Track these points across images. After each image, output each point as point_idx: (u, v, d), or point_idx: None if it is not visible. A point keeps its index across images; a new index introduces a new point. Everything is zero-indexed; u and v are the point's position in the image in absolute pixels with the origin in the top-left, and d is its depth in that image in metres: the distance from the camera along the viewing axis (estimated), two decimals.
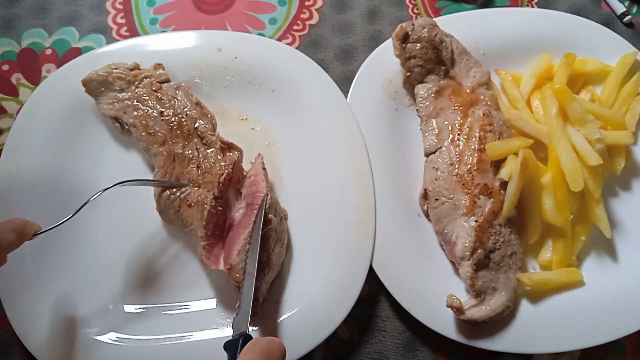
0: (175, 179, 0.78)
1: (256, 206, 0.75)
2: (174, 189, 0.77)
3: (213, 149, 0.79)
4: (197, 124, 0.81)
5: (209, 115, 0.83)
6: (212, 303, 0.78)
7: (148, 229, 0.82)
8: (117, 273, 0.80)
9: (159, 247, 0.81)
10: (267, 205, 0.75)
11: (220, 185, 0.76)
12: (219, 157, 0.78)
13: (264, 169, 0.80)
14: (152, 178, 0.81)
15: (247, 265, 0.71)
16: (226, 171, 0.77)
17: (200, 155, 0.79)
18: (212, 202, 0.75)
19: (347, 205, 0.80)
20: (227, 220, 0.78)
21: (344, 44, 0.98)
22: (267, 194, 0.76)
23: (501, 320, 0.75)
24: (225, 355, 0.62)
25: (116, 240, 0.81)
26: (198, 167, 0.78)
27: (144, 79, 0.84)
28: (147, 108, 0.82)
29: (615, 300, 0.77)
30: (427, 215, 0.83)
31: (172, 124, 0.81)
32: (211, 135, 0.80)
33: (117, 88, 0.84)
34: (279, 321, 0.75)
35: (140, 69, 0.86)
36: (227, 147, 0.80)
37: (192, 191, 0.76)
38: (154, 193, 0.78)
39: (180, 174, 0.78)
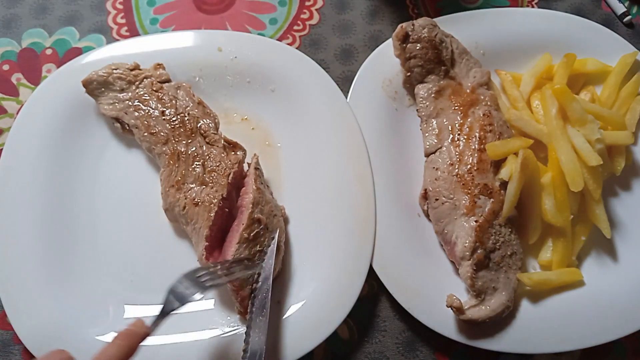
0: (180, 177, 0.77)
1: (243, 208, 0.75)
2: (182, 186, 0.76)
3: (217, 147, 0.79)
4: (200, 123, 0.81)
5: (211, 115, 0.83)
6: (210, 303, 0.78)
7: (151, 228, 0.82)
8: (118, 273, 0.80)
9: (161, 247, 0.81)
10: (273, 239, 0.75)
11: (229, 185, 0.76)
12: (223, 156, 0.78)
13: (256, 168, 0.79)
14: (160, 177, 0.80)
15: (254, 314, 0.70)
16: (232, 171, 0.77)
17: (205, 153, 0.79)
18: (220, 203, 0.75)
19: (347, 205, 0.80)
20: (229, 222, 0.78)
21: (344, 44, 0.98)
22: (274, 237, 0.75)
23: (501, 320, 0.75)
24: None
25: (117, 239, 0.82)
26: (203, 166, 0.78)
27: (145, 79, 0.84)
28: (148, 108, 0.82)
29: (615, 300, 0.77)
30: (427, 215, 0.83)
31: (174, 123, 0.81)
32: (214, 134, 0.80)
33: (118, 88, 0.84)
34: (279, 321, 0.75)
35: (140, 69, 0.86)
36: (231, 146, 0.81)
37: (198, 190, 0.76)
38: (161, 191, 0.79)
39: (185, 172, 0.78)
